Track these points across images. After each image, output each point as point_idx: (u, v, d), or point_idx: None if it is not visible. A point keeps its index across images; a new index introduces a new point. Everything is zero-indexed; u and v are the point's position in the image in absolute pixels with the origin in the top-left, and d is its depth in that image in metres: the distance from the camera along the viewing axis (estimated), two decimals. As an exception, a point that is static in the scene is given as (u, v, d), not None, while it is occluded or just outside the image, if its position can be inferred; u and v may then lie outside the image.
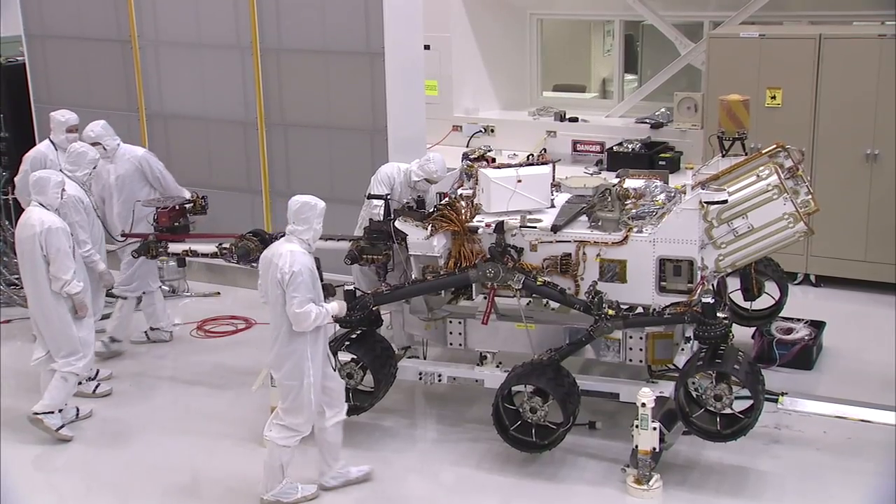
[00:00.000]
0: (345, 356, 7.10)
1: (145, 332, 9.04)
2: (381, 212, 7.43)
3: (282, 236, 7.96)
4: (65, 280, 7.15)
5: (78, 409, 7.61)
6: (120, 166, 8.70)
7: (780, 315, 8.35)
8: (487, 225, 6.96)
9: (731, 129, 7.79)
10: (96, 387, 8.05)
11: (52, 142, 9.04)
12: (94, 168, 8.16)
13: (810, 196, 7.02)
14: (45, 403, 7.30)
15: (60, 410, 7.40)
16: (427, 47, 10.23)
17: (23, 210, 8.56)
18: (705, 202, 6.61)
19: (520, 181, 7.07)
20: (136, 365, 8.61)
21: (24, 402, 7.78)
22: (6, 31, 12.22)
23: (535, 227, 6.94)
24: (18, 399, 7.89)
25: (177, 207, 8.27)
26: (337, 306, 6.39)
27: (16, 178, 9.12)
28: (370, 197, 7.75)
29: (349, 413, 7.14)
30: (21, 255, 7.26)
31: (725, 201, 6.63)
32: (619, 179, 7.40)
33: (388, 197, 7.51)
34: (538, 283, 6.78)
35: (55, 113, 9.11)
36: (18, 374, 8.29)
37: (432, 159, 7.83)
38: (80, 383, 8.00)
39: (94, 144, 8.50)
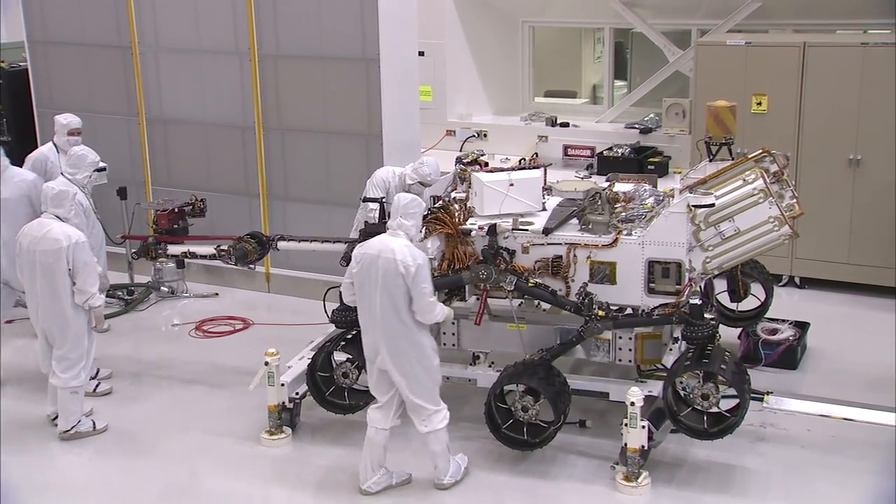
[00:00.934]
0: (340, 356, 7.09)
1: None
2: (377, 214, 7.42)
3: (279, 238, 8.02)
4: (91, 293, 7.06)
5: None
6: (7, 189, 8.34)
7: (766, 316, 8.35)
8: (480, 227, 6.95)
9: (718, 134, 7.80)
10: (97, 385, 8.01)
11: (54, 144, 9.03)
12: (95, 171, 8.13)
13: (795, 200, 7.02)
14: (69, 420, 7.22)
15: (88, 415, 7.36)
16: (421, 54, 10.24)
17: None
18: (693, 206, 6.61)
19: (512, 185, 7.06)
20: (135, 364, 8.58)
21: (25, 403, 7.76)
22: (9, 37, 12.22)
23: (526, 230, 6.93)
24: (20, 400, 7.86)
25: (176, 210, 8.25)
26: (449, 311, 6.49)
27: None
28: (366, 200, 7.74)
29: (344, 411, 7.16)
30: (33, 266, 7.04)
31: (713, 205, 6.63)
32: (608, 183, 7.39)
33: (384, 200, 7.50)
34: (530, 284, 6.77)
35: (59, 116, 9.10)
36: (21, 374, 8.24)
37: (426, 163, 7.82)
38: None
39: None
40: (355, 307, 7.10)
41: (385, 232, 6.34)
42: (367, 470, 6.46)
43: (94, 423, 7.35)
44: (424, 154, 9.60)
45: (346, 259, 7.39)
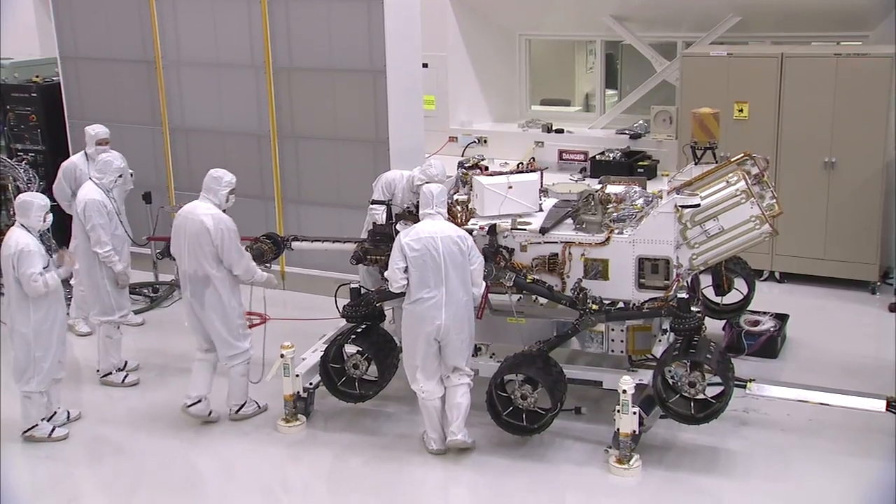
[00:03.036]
0: (351, 348, 7.07)
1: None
2: (384, 216, 7.39)
3: (293, 239, 7.99)
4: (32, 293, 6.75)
5: (69, 413, 7.32)
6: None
7: (748, 309, 8.32)
8: (481, 227, 6.92)
9: (702, 139, 7.77)
10: (125, 377, 8.01)
11: (86, 154, 8.98)
12: (121, 176, 8.09)
13: (775, 200, 7.00)
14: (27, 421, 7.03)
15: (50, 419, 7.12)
16: (425, 65, 10.21)
17: (63, 219, 8.50)
18: (680, 206, 6.59)
19: (511, 187, 7.04)
20: (161, 357, 8.57)
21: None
22: (44, 54, 12.21)
23: (524, 230, 6.90)
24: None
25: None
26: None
27: (53, 186, 9.01)
28: (374, 202, 7.71)
29: (355, 400, 7.14)
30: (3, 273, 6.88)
31: (698, 205, 6.61)
32: (601, 185, 7.36)
33: (390, 202, 7.48)
34: (528, 280, 6.75)
35: (88, 127, 9.06)
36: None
37: (433, 164, 7.80)
38: (110, 374, 7.99)
39: None
40: (365, 303, 7.09)
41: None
42: (437, 432, 6.68)
43: (54, 428, 7.09)
44: (429, 158, 9.56)
45: (356, 257, 7.37)
